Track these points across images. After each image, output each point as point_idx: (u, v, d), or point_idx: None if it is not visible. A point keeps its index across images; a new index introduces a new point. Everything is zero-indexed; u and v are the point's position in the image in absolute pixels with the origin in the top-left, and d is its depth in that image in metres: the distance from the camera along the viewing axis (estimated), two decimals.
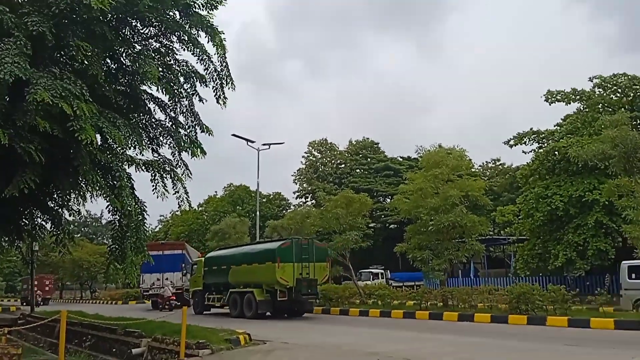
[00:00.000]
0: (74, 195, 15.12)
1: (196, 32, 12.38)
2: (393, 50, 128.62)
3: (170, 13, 11.90)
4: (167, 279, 31.26)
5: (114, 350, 13.27)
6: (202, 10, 12.13)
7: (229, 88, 13.19)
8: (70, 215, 16.84)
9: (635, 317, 14.54)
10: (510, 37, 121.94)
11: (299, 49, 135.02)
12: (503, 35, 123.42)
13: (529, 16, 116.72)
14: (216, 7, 12.21)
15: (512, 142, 29.27)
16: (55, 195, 15.26)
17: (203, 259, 26.00)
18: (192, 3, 11.89)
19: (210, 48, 12.66)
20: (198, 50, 12.63)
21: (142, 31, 12.73)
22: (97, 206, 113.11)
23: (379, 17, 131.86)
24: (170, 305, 27.96)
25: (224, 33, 12.38)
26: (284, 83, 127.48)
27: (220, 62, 12.84)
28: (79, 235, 67.19)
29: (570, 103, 28.51)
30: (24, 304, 40.67)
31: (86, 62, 10.88)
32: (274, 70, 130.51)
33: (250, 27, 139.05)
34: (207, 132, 14.02)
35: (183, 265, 30.74)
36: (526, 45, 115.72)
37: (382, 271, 39.43)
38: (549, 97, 28.30)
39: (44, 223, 16.87)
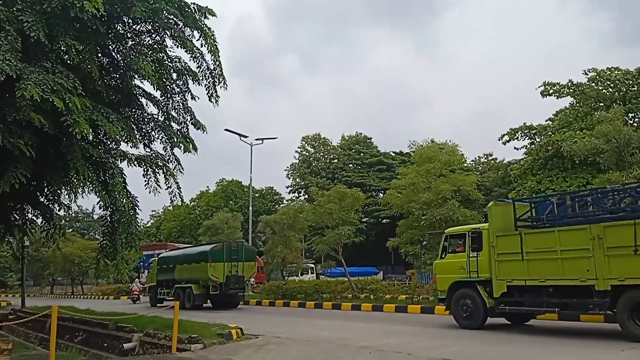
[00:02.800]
0: (65, 191, 15.05)
1: (190, 32, 12.37)
2: (389, 46, 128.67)
3: (164, 12, 11.84)
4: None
5: (105, 345, 13.24)
6: (196, 14, 12.18)
7: (221, 87, 13.19)
8: (60, 210, 16.77)
9: None
10: (506, 32, 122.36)
11: (294, 44, 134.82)
12: (499, 31, 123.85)
13: (525, 11, 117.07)
14: (209, 16, 12.34)
15: (505, 138, 29.41)
16: (46, 190, 15.17)
17: (157, 258, 28.83)
18: (185, 8, 11.92)
19: (204, 46, 12.67)
20: (191, 47, 12.58)
21: (134, 27, 12.66)
22: (88, 201, 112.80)
23: (376, 12, 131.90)
24: (133, 299, 31.22)
25: (215, 37, 12.39)
26: (280, 78, 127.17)
27: (214, 60, 12.81)
28: (70, 230, 66.74)
29: (563, 97, 28.68)
30: None
31: (78, 59, 10.81)
32: (270, 65, 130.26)
33: (245, 21, 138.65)
34: (200, 129, 13.98)
35: (141, 263, 33.60)
36: (522, 40, 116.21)
37: (313, 266, 39.43)
38: (546, 88, 28.41)
39: (34, 218, 16.78)
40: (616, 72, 27.41)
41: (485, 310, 12.74)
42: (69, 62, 11.09)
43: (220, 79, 13.06)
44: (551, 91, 28.40)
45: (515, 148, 30.51)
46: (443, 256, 14.36)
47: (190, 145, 13.56)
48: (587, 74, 27.86)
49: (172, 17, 11.80)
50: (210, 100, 13.28)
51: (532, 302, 11.91)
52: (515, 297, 12.17)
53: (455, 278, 13.47)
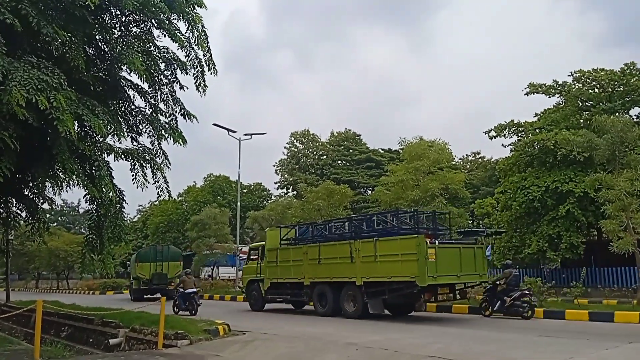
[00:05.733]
0: (49, 184, 14.83)
1: (177, 16, 12.22)
2: (382, 44, 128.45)
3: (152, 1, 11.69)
4: None
5: (91, 340, 13.12)
6: (184, 4, 12.08)
7: (211, 73, 13.05)
8: (44, 204, 16.52)
9: (608, 310, 14.83)
10: (498, 32, 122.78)
11: (287, 40, 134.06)
12: (492, 30, 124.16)
13: (517, 11, 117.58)
14: (198, 8, 12.23)
15: (492, 133, 29.34)
16: (30, 184, 14.96)
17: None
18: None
19: (189, 31, 12.55)
20: (179, 36, 12.44)
21: (121, 17, 12.49)
22: (74, 195, 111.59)
23: (370, 10, 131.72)
24: None
25: (203, 23, 12.28)
26: (272, 74, 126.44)
27: (201, 47, 12.68)
28: (55, 224, 66.21)
29: (550, 96, 28.71)
30: None
31: (65, 50, 10.64)
32: (262, 60, 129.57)
33: (239, 15, 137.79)
34: (190, 118, 13.84)
35: None
36: (514, 40, 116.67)
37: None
38: (531, 88, 28.41)
39: (19, 212, 16.55)
40: (601, 72, 27.49)
41: (263, 298, 19.25)
42: (55, 53, 10.91)
43: (210, 65, 12.94)
44: (539, 90, 28.43)
45: (502, 145, 30.43)
46: (247, 262, 21.24)
47: (179, 137, 13.42)
48: (572, 75, 27.95)
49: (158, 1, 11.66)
50: (198, 89, 13.17)
51: (281, 292, 18.53)
52: (274, 290, 18.48)
53: (250, 277, 20.14)
